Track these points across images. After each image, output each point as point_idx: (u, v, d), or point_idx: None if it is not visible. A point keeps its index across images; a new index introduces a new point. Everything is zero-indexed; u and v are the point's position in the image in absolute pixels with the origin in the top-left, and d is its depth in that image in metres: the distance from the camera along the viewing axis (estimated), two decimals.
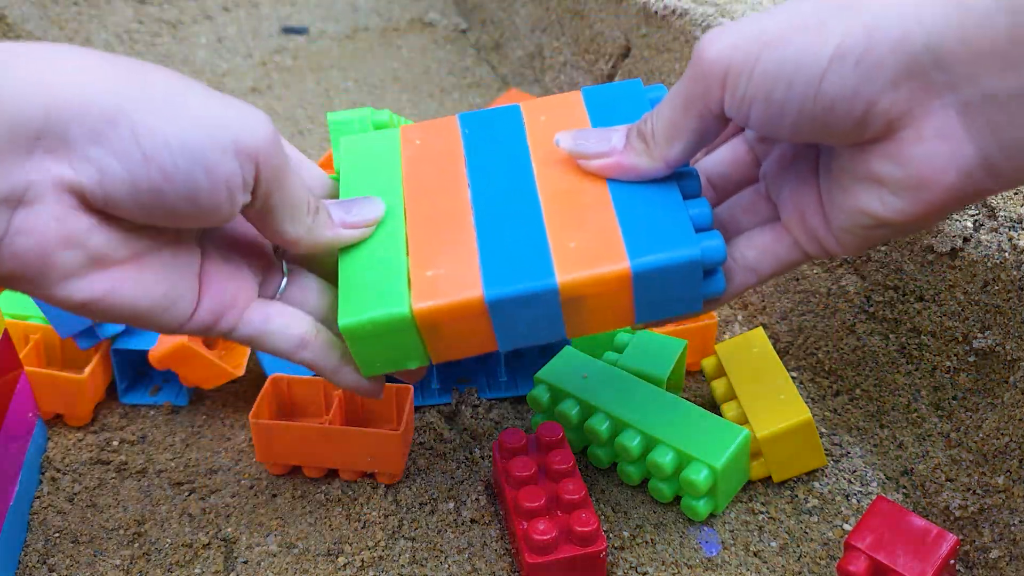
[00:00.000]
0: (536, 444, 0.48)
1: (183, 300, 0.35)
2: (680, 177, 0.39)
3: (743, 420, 0.49)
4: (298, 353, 0.39)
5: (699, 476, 0.45)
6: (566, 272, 0.36)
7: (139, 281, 0.34)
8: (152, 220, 0.33)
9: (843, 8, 0.31)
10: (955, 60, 0.30)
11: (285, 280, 0.40)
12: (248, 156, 0.32)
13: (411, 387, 0.51)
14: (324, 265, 0.42)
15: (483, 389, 0.56)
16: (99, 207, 0.32)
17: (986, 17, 0.29)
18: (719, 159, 0.43)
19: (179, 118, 0.31)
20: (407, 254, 0.39)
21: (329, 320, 0.40)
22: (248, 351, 0.56)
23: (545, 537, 0.42)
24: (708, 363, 0.54)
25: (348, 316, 0.37)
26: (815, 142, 0.36)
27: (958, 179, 0.32)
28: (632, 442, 0.47)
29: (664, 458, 0.46)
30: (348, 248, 0.40)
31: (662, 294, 0.37)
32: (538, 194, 0.39)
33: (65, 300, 0.33)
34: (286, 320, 0.38)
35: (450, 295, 0.37)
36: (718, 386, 0.53)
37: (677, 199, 0.38)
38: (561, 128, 0.41)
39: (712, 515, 0.48)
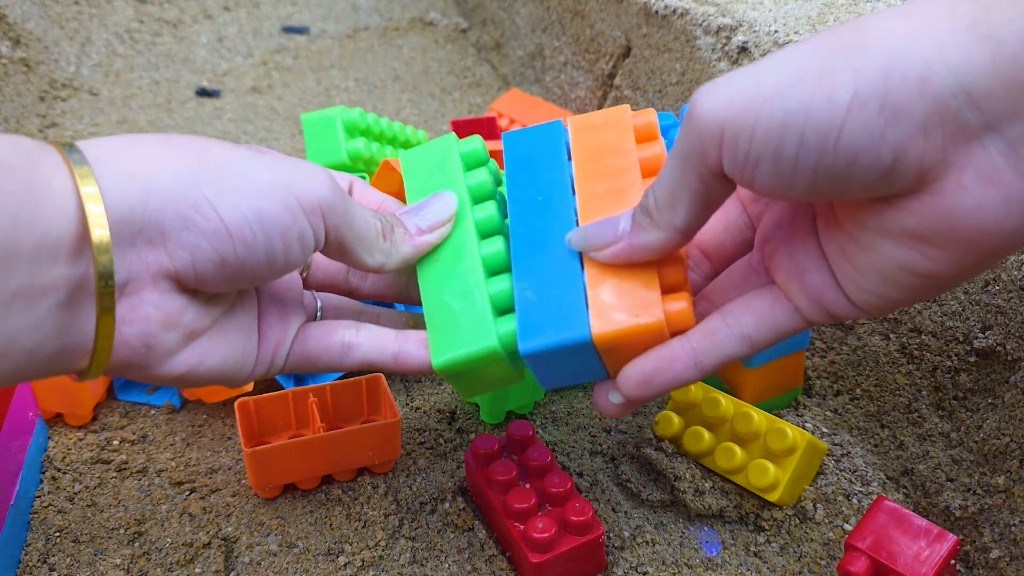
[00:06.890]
0: (508, 445, 0.48)
1: (251, 352, 0.38)
2: None
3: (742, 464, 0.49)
4: (396, 344, 0.40)
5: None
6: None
7: (221, 344, 0.36)
8: (233, 287, 0.35)
9: (849, 51, 0.28)
10: (992, 99, 0.27)
11: (320, 303, 0.42)
12: (313, 211, 0.35)
13: (381, 375, 0.51)
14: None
15: None
16: (191, 287, 0.34)
17: None
18: (711, 225, 0.40)
19: (248, 188, 0.33)
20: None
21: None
22: None
23: (545, 534, 0.42)
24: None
25: (438, 356, 0.38)
26: (831, 200, 0.33)
27: (1018, 223, 0.28)
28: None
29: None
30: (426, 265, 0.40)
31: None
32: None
33: (165, 376, 0.35)
34: (372, 333, 0.40)
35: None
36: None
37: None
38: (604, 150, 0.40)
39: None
